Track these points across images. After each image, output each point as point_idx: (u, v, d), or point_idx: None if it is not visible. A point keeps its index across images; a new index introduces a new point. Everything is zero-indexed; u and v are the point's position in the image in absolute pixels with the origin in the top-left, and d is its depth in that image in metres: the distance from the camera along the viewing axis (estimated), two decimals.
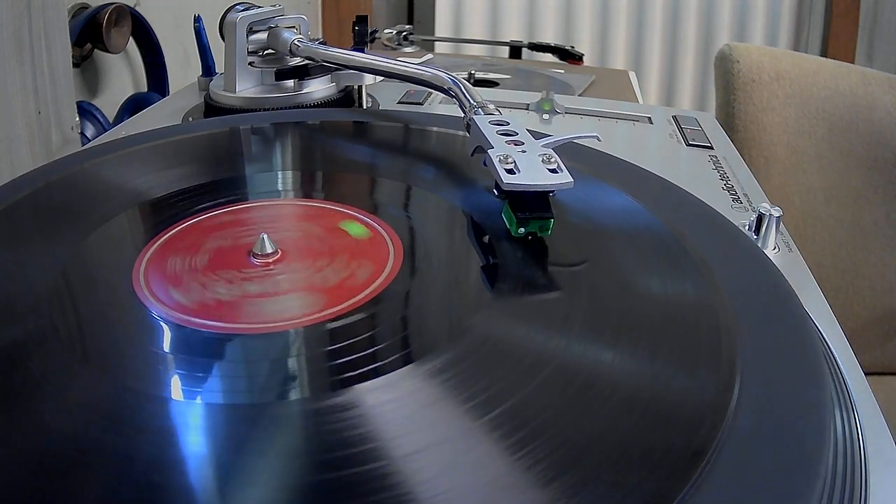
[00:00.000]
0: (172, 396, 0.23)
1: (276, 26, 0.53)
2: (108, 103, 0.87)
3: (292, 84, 0.52)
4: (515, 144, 0.33)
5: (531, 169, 0.31)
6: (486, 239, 0.32)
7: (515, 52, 1.16)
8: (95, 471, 0.20)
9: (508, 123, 0.35)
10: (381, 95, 0.58)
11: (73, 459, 0.20)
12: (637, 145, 0.52)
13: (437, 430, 0.21)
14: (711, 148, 0.51)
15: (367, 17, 0.58)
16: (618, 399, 0.22)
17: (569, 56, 1.08)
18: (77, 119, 0.66)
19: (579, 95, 0.80)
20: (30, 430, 0.21)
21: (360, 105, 0.55)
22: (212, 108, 0.53)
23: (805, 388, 0.23)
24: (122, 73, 0.92)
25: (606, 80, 0.90)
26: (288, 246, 0.31)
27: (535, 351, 0.25)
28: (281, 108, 0.51)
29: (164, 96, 0.89)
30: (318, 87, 0.52)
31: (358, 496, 0.19)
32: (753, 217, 0.38)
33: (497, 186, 0.31)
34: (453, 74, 0.43)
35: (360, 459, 0.20)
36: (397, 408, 0.22)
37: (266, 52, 0.54)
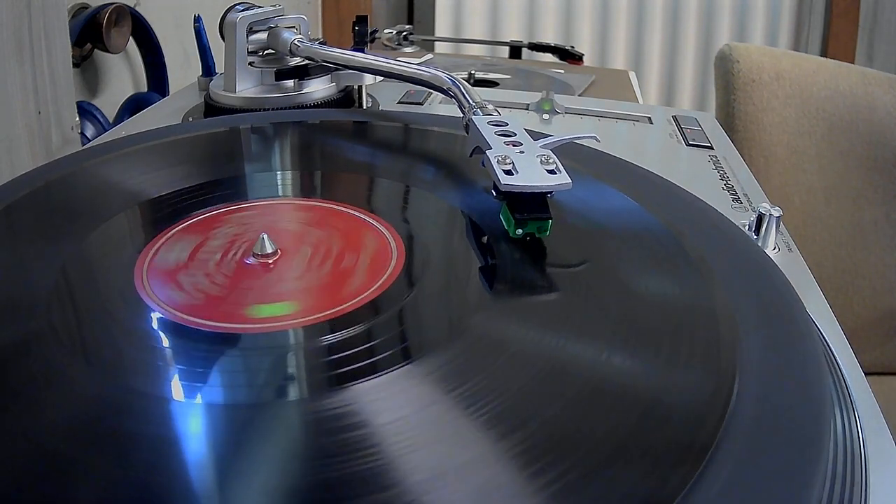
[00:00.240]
0: (172, 396, 0.23)
1: (276, 26, 0.53)
2: (108, 103, 0.87)
3: (292, 84, 0.52)
4: (514, 145, 0.33)
5: (529, 170, 0.31)
6: (485, 239, 0.32)
7: (515, 52, 1.16)
8: (95, 470, 0.20)
9: (507, 124, 0.35)
10: (381, 95, 0.58)
11: (73, 459, 0.20)
12: (637, 145, 0.52)
13: (436, 430, 0.21)
14: (711, 148, 0.51)
15: (367, 17, 0.58)
16: (617, 398, 0.22)
17: (569, 56, 1.08)
18: (77, 119, 0.66)
19: (579, 95, 0.80)
20: (30, 430, 0.21)
21: (360, 105, 0.55)
22: (212, 108, 0.53)
23: (805, 387, 0.23)
24: (122, 73, 0.92)
25: (606, 80, 0.90)
26: (288, 246, 0.31)
27: (535, 351, 0.25)
28: (281, 108, 0.51)
29: (164, 96, 0.89)
30: (318, 87, 0.52)
31: (356, 496, 0.19)
32: (753, 217, 0.38)
33: (495, 187, 0.31)
34: (452, 74, 0.43)
35: (359, 459, 0.20)
36: (396, 407, 0.22)
37: (266, 52, 0.54)
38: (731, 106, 0.81)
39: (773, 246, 0.37)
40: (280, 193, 0.37)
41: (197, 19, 0.61)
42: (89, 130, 0.77)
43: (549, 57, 1.12)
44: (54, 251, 0.31)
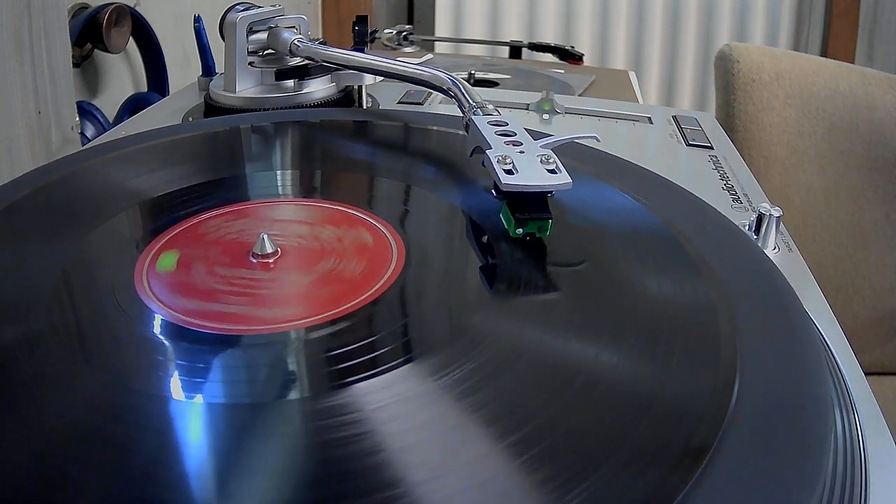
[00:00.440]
0: (173, 396, 0.23)
1: (276, 26, 0.53)
2: (108, 103, 0.87)
3: (292, 84, 0.52)
4: (514, 145, 0.33)
5: (529, 169, 0.31)
6: (485, 239, 0.32)
7: (515, 52, 1.16)
8: (95, 470, 0.20)
9: (507, 124, 0.35)
10: (381, 95, 0.58)
11: (73, 459, 0.20)
12: (637, 145, 0.52)
13: (437, 430, 0.21)
14: (711, 148, 0.51)
15: (367, 17, 0.58)
16: (617, 398, 0.22)
17: (569, 56, 1.08)
18: (77, 119, 0.66)
19: (579, 95, 0.80)
20: (30, 430, 0.21)
21: (360, 105, 0.55)
22: (212, 108, 0.53)
23: (805, 388, 0.23)
24: (122, 73, 0.92)
25: (606, 80, 0.90)
26: (288, 246, 0.31)
27: (535, 350, 0.25)
28: (281, 108, 0.51)
29: (164, 96, 0.89)
30: (318, 87, 0.52)
31: (357, 496, 0.19)
32: (753, 217, 0.38)
33: (496, 187, 0.31)
34: (452, 74, 0.43)
35: (360, 459, 0.20)
36: (397, 407, 0.22)
37: (266, 52, 0.54)
38: (731, 106, 0.81)
39: (773, 246, 0.37)
40: (280, 193, 0.37)
41: (197, 19, 0.61)
42: (89, 130, 0.77)
43: (549, 57, 1.12)
44: (54, 251, 0.31)
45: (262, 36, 0.53)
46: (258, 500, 0.19)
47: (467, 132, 0.37)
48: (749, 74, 0.80)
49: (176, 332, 0.26)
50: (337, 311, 0.27)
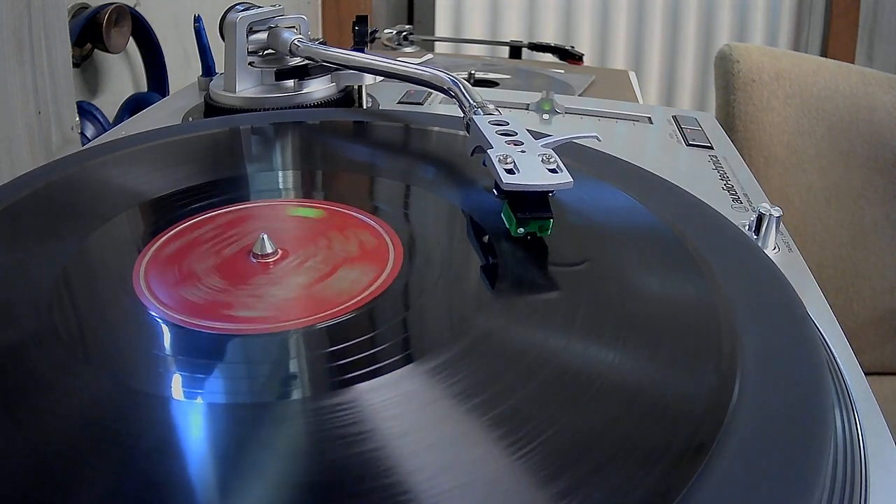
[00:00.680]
0: (173, 396, 0.23)
1: (276, 26, 0.53)
2: (108, 103, 0.87)
3: (292, 84, 0.52)
4: (515, 144, 0.33)
5: (531, 169, 0.31)
6: (485, 239, 0.32)
7: (515, 52, 1.16)
8: (95, 471, 0.20)
9: (508, 123, 0.35)
10: (381, 95, 0.58)
11: (73, 459, 0.20)
12: (637, 145, 0.52)
13: (437, 430, 0.21)
14: (711, 148, 0.51)
15: (367, 17, 0.58)
16: (618, 398, 0.22)
17: (569, 56, 1.08)
18: (77, 119, 0.66)
19: (579, 95, 0.80)
20: (30, 430, 0.21)
21: (360, 105, 0.55)
22: (212, 108, 0.53)
23: (805, 387, 0.23)
24: (122, 73, 0.92)
25: (606, 80, 0.90)
26: (288, 246, 0.31)
27: (535, 350, 0.25)
28: (281, 108, 0.51)
29: (164, 96, 0.89)
30: (318, 87, 0.52)
31: (358, 496, 0.19)
32: (753, 217, 0.38)
33: (496, 186, 0.31)
34: (453, 74, 0.43)
35: (360, 459, 0.20)
36: (397, 407, 0.22)
37: (266, 52, 0.54)
38: (731, 106, 0.81)
39: (773, 246, 0.37)
40: (280, 193, 0.37)
41: (197, 19, 0.61)
42: (89, 130, 0.77)
43: (549, 57, 1.12)
44: (54, 251, 0.31)
45: (262, 36, 0.53)
46: (258, 500, 0.19)
47: (468, 132, 0.37)
48: (749, 74, 0.80)
49: (176, 332, 0.26)
50: (337, 310, 0.27)
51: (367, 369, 0.23)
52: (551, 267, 0.30)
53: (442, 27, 1.73)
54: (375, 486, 0.19)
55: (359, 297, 0.28)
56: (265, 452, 0.21)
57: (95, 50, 0.84)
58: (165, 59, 0.91)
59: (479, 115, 0.37)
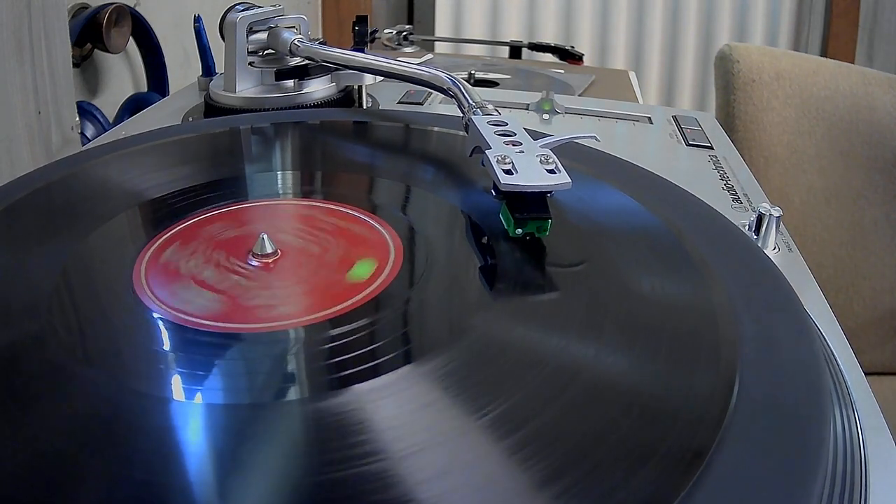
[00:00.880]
0: (172, 396, 0.23)
1: (276, 26, 0.53)
2: (108, 103, 0.87)
3: (292, 84, 0.52)
4: (513, 145, 0.33)
5: (529, 169, 0.31)
6: (484, 239, 0.32)
7: (515, 52, 1.16)
8: (95, 471, 0.20)
9: (507, 124, 0.35)
10: (381, 95, 0.58)
11: (73, 459, 0.20)
12: (637, 145, 0.52)
13: (436, 430, 0.21)
14: (711, 148, 0.51)
15: (367, 17, 0.58)
16: (617, 399, 0.22)
17: (569, 56, 1.08)
18: (77, 119, 0.66)
19: (579, 95, 0.80)
20: (30, 431, 0.21)
21: (360, 105, 0.55)
22: (212, 108, 0.53)
23: (805, 387, 0.23)
24: (122, 73, 0.92)
25: (606, 80, 0.90)
26: (288, 246, 0.31)
27: (534, 351, 0.25)
28: (281, 109, 0.51)
29: (164, 96, 0.89)
30: (318, 87, 0.52)
31: (357, 496, 0.19)
32: (753, 217, 0.38)
33: (495, 187, 0.31)
34: (452, 74, 0.43)
35: (360, 459, 0.20)
36: (396, 408, 0.22)
37: (266, 52, 0.54)
38: (731, 106, 0.81)
39: (773, 246, 0.37)
40: (280, 193, 0.37)
41: (197, 19, 0.61)
42: (89, 130, 0.77)
43: (549, 57, 1.12)
44: (54, 252, 0.31)
45: (262, 36, 0.53)
46: (258, 500, 0.19)
47: (467, 132, 0.37)
48: (749, 74, 0.80)
49: (176, 331, 0.26)
50: (336, 310, 0.27)
51: (367, 369, 0.23)
52: (550, 267, 0.30)
53: (442, 27, 1.73)
54: (375, 487, 0.19)
55: (359, 297, 0.28)
56: (265, 453, 0.21)
57: (95, 50, 0.84)
58: (165, 59, 0.91)
59: (478, 115, 0.37)
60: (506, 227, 0.31)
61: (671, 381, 0.23)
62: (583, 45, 1.70)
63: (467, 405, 0.22)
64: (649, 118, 0.57)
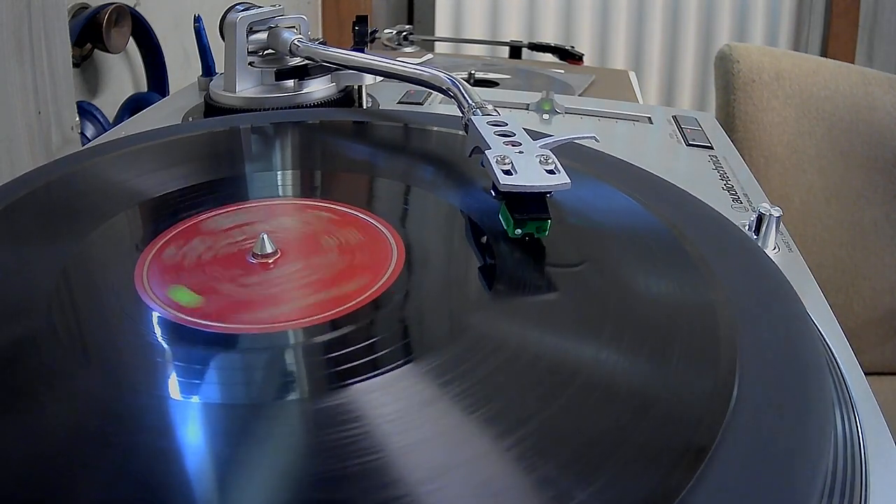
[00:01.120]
0: (172, 396, 0.23)
1: (276, 26, 0.53)
2: (108, 103, 0.87)
3: (292, 84, 0.52)
4: (513, 145, 0.33)
5: (528, 170, 0.31)
6: (484, 239, 0.32)
7: (515, 52, 1.16)
8: (95, 470, 0.20)
9: (506, 124, 0.35)
10: (381, 95, 0.58)
11: (73, 459, 0.20)
12: (637, 145, 0.52)
13: (436, 430, 0.21)
14: (711, 148, 0.51)
15: (367, 17, 0.58)
16: (617, 398, 0.22)
17: (569, 56, 1.08)
18: (77, 119, 0.66)
19: (579, 95, 0.80)
20: (30, 430, 0.21)
21: (360, 105, 0.55)
22: (212, 108, 0.53)
23: (805, 387, 0.23)
24: (122, 73, 0.92)
25: (606, 80, 0.90)
26: (288, 246, 0.31)
27: (534, 350, 0.25)
28: (281, 108, 0.51)
29: (164, 96, 0.89)
30: (318, 87, 0.52)
31: (357, 496, 0.19)
32: (753, 217, 0.38)
33: (494, 187, 0.31)
34: (452, 75, 0.43)
35: (359, 459, 0.20)
36: (396, 407, 0.22)
37: (266, 52, 0.54)
38: (731, 106, 0.81)
39: (773, 246, 0.37)
40: (280, 193, 0.37)
41: (197, 19, 0.61)
42: (89, 130, 0.77)
43: (549, 57, 1.12)
44: (55, 251, 0.31)
45: (262, 36, 0.53)
46: (257, 500, 0.19)
47: (466, 132, 0.37)
48: (749, 74, 0.80)
49: (176, 331, 0.26)
50: (336, 311, 0.27)
51: (366, 369, 0.23)
52: (549, 268, 0.30)
53: (442, 27, 1.73)
54: (374, 486, 0.19)
55: (359, 298, 0.28)
56: (264, 453, 0.21)
57: (95, 50, 0.84)
58: (165, 59, 0.91)
59: (478, 115, 0.37)
60: (505, 227, 0.31)
61: (671, 381, 0.23)
62: (583, 45, 1.70)
63: (466, 404, 0.22)
64: (649, 118, 0.57)
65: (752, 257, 0.31)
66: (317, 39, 0.52)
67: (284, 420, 0.22)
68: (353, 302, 0.27)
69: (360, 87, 0.54)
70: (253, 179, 0.38)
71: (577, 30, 1.72)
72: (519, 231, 0.30)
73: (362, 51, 0.54)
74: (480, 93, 0.41)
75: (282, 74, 0.52)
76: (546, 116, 0.56)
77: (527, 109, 0.57)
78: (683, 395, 0.23)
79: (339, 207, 0.34)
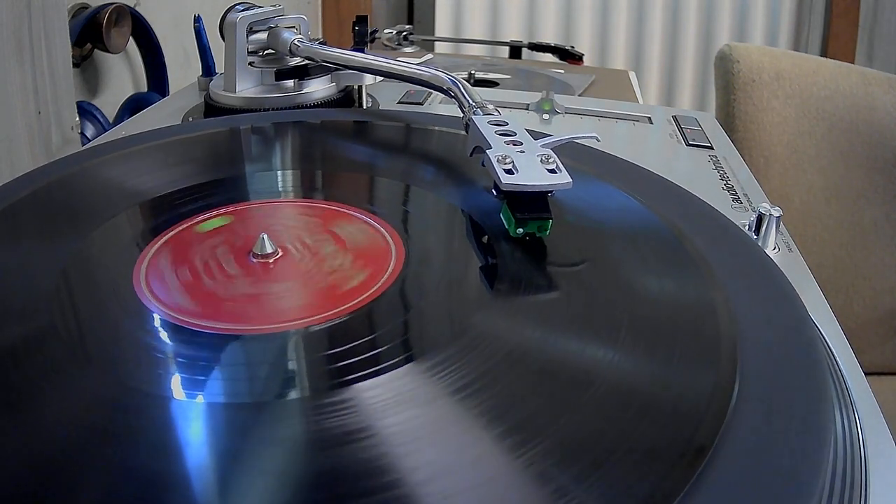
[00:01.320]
0: (172, 396, 0.23)
1: (276, 26, 0.53)
2: (108, 103, 0.87)
3: (292, 84, 0.52)
4: (514, 144, 0.33)
5: (529, 169, 0.31)
6: (485, 239, 0.32)
7: (515, 52, 1.16)
8: (95, 471, 0.20)
9: (507, 123, 0.35)
10: (381, 95, 0.58)
11: (73, 459, 0.20)
12: (637, 145, 0.52)
13: (437, 429, 0.21)
14: (711, 148, 0.51)
15: (367, 17, 0.58)
16: (617, 397, 0.22)
17: (569, 56, 1.08)
18: (77, 119, 0.66)
19: (579, 95, 0.80)
20: (30, 431, 0.21)
21: (360, 105, 0.55)
22: (212, 108, 0.53)
23: (805, 387, 0.23)
24: (122, 73, 0.92)
25: (606, 80, 0.90)
26: (288, 246, 0.31)
27: (535, 350, 0.25)
28: (281, 108, 0.51)
29: (164, 96, 0.89)
30: (318, 87, 0.52)
31: (357, 496, 0.19)
32: (753, 217, 0.38)
33: (496, 187, 0.31)
34: (452, 74, 0.43)
35: (359, 458, 0.20)
36: (397, 406, 0.22)
37: (266, 52, 0.54)
38: (731, 106, 0.81)
39: (773, 246, 0.37)
40: (280, 193, 0.37)
41: (197, 19, 0.61)
42: (89, 130, 0.77)
43: (549, 57, 1.12)
44: (54, 251, 0.31)
45: (262, 36, 0.53)
46: (257, 499, 0.19)
47: (467, 132, 0.37)
48: (749, 74, 0.80)
49: (176, 331, 0.26)
50: (337, 310, 0.27)
51: (367, 369, 0.23)
52: (551, 267, 0.30)
53: (442, 27, 1.73)
54: (374, 486, 0.19)
55: (360, 297, 0.28)
56: (265, 452, 0.21)
57: (95, 50, 0.84)
58: (165, 59, 0.91)
59: (479, 115, 0.37)
60: (506, 226, 0.31)
61: (671, 381, 0.23)
62: (583, 45, 1.70)
63: (467, 404, 0.22)
64: (649, 118, 0.57)
65: (752, 257, 0.31)
66: (317, 39, 0.52)
67: (285, 419, 0.22)
68: (354, 301, 0.27)
69: (360, 87, 0.54)
70: (253, 179, 0.38)
71: (577, 30, 1.72)
72: (520, 230, 0.30)
73: (362, 51, 0.54)
74: (480, 93, 0.42)
75: (282, 74, 0.52)
76: (546, 116, 0.56)
77: (527, 109, 0.57)
78: (684, 395, 0.23)
79: (339, 207, 0.34)
